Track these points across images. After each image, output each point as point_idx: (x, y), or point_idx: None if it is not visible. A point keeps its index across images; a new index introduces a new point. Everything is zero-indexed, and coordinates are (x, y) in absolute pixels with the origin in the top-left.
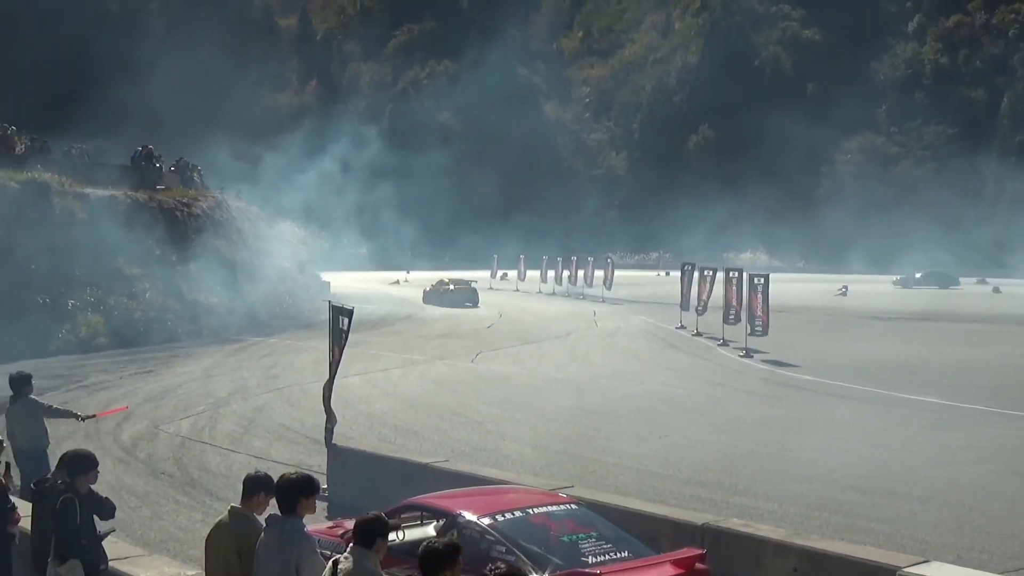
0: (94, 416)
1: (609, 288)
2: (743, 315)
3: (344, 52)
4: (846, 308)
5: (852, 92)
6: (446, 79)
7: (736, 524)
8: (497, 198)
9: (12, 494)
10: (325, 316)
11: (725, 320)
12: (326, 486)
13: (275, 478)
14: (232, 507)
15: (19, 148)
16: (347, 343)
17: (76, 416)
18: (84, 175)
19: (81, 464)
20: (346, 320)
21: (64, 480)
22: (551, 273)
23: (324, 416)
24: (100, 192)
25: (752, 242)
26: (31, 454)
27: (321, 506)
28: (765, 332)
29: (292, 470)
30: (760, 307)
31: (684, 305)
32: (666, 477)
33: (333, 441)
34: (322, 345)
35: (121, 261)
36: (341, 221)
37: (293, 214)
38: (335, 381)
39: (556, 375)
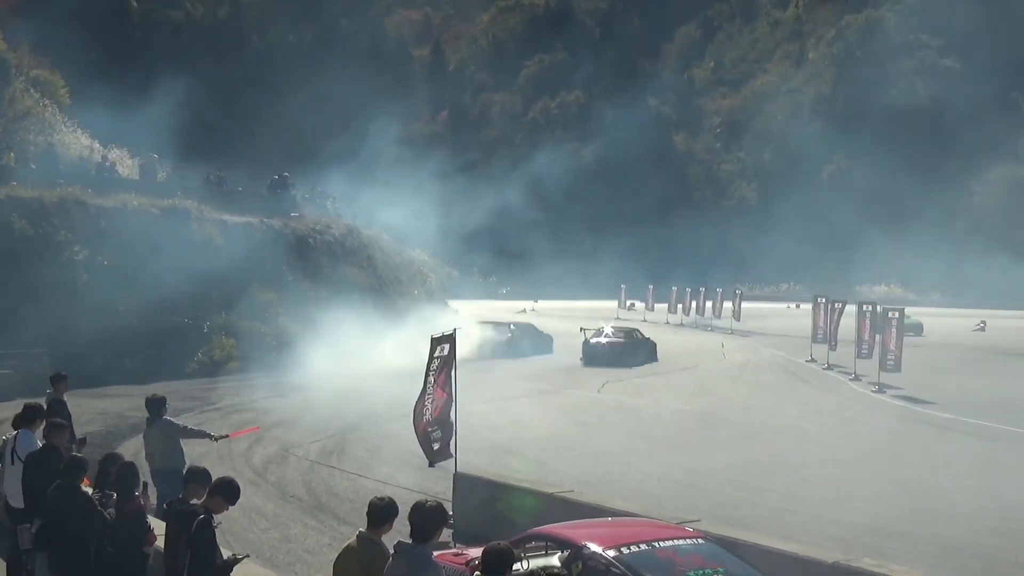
0: (227, 436)
1: (738, 320)
2: (876, 349)
3: (476, 81)
4: (985, 343)
5: (992, 121)
6: (576, 109)
7: (868, 564)
8: (626, 228)
9: (149, 513)
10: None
11: (857, 354)
12: (452, 514)
13: (399, 505)
14: (360, 532)
15: (161, 175)
16: (454, 369)
17: (210, 436)
18: (221, 202)
19: (228, 491)
20: (447, 347)
21: (199, 499)
22: (679, 304)
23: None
24: (236, 219)
25: (886, 275)
26: (167, 474)
27: (447, 534)
28: (898, 367)
29: (425, 498)
30: (894, 341)
31: (815, 338)
32: (795, 513)
33: (460, 469)
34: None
35: (255, 286)
36: (473, 247)
37: (423, 241)
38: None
39: (684, 407)
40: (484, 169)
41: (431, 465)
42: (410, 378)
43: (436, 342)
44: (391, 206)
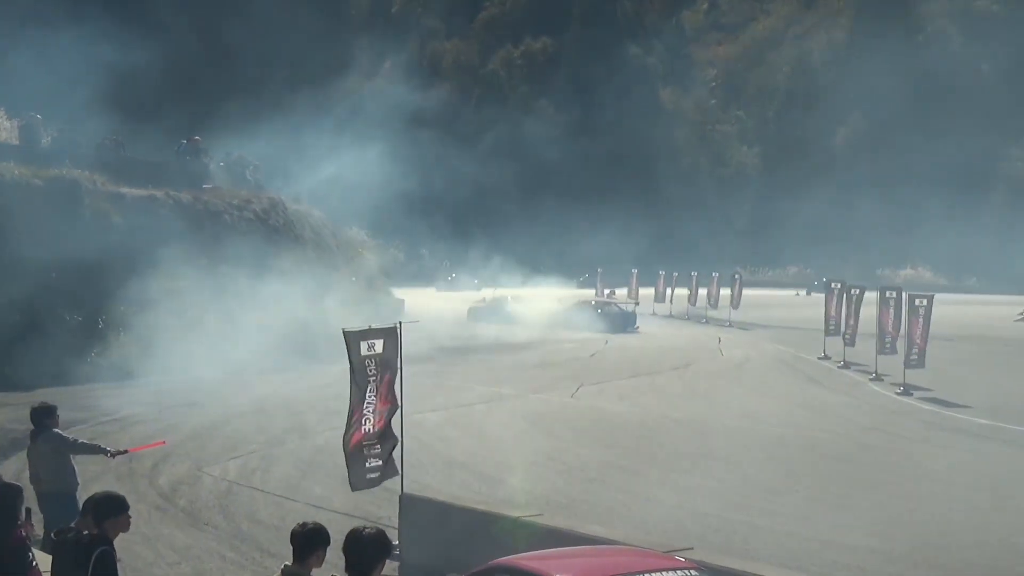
0: (126, 452)
1: (736, 308)
2: (900, 344)
3: (423, 28)
4: None
5: None
6: (544, 61)
7: None
8: (603, 202)
9: (33, 545)
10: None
11: (879, 350)
12: (397, 542)
13: (333, 531)
14: (285, 566)
15: (45, 140)
16: (399, 370)
17: (106, 452)
18: (119, 172)
19: (109, 507)
20: (379, 343)
21: (90, 529)
22: (668, 291)
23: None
24: (137, 192)
25: (912, 256)
26: (57, 497)
27: (391, 566)
28: (922, 363)
29: (364, 524)
30: (920, 334)
31: (829, 331)
32: (805, 538)
33: (407, 490)
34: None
35: (160, 273)
36: (420, 226)
37: (362, 219)
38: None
39: (672, 414)
40: (434, 132)
41: (354, 490)
42: (344, 382)
43: (357, 337)
44: (323, 176)
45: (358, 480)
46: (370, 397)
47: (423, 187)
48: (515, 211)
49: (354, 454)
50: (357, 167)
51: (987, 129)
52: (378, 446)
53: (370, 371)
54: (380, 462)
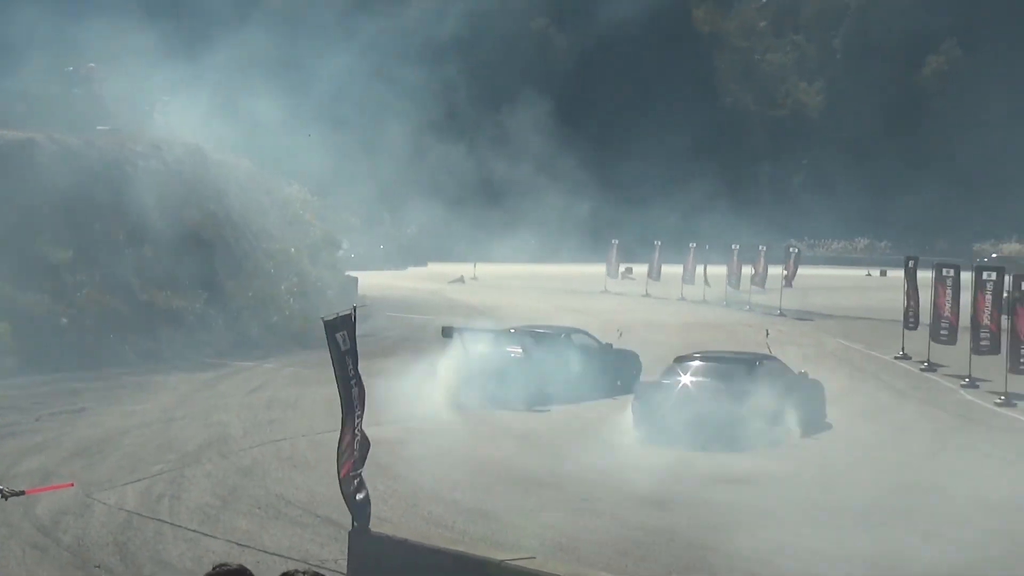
0: (23, 493)
1: (789, 285)
2: (1003, 341)
3: None
4: None
5: None
6: None
7: None
8: (619, 153)
9: None
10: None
11: (973, 348)
12: None
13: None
14: None
15: None
16: (355, 372)
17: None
18: None
19: None
20: (344, 336)
21: None
22: (699, 269)
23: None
24: (11, 134)
25: (1020, 226)
26: None
27: None
28: None
29: (298, 568)
30: None
31: (908, 323)
32: None
33: (357, 523)
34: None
35: (43, 240)
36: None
37: (303, 173)
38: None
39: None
40: (397, 55)
41: (355, 526)
42: (281, 383)
43: (333, 328)
44: (253, 116)
45: (362, 512)
46: (359, 408)
47: (375, 136)
48: (495, 169)
49: (347, 481)
50: (289, 110)
51: None
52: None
53: (350, 371)
54: (364, 494)
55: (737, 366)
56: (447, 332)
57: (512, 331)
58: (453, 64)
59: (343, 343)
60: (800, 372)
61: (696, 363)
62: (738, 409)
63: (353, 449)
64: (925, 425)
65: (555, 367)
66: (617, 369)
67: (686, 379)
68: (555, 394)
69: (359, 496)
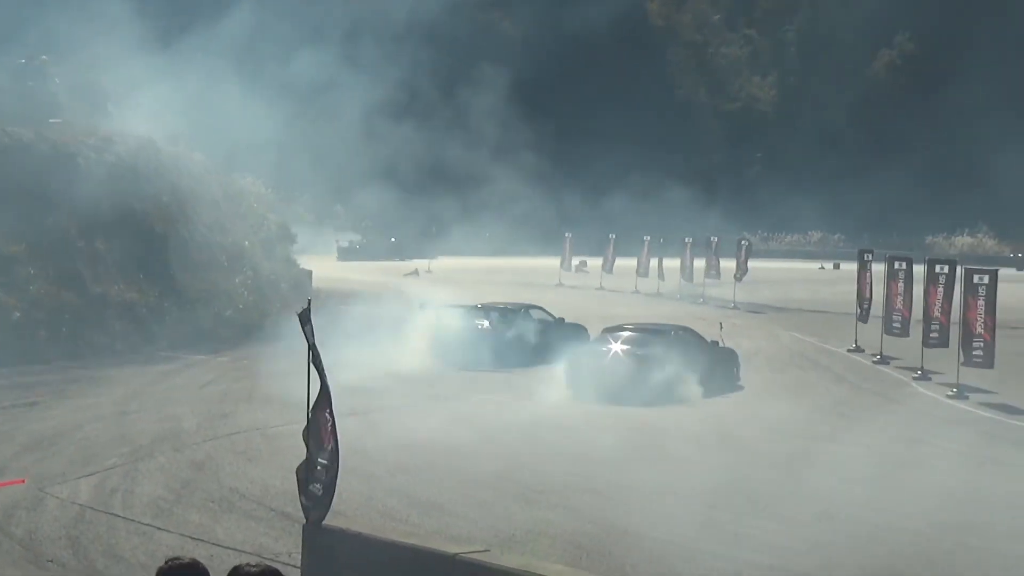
0: None
1: (740, 280)
2: (955, 334)
3: None
4: None
5: None
6: None
7: None
8: (573, 147)
9: None
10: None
11: (925, 341)
12: None
13: (216, 571)
14: None
15: None
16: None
17: None
18: None
19: None
20: (310, 330)
21: None
22: (654, 262)
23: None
24: None
25: (972, 220)
26: None
27: None
28: (989, 362)
29: (250, 561)
30: (980, 322)
31: (862, 316)
32: None
33: (313, 515)
34: (297, 367)
35: None
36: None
37: (258, 165)
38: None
39: (658, 422)
40: (347, 48)
41: (309, 522)
42: (234, 377)
43: (304, 320)
44: (206, 109)
45: (313, 507)
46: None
47: (330, 128)
48: (449, 163)
49: (308, 472)
50: (243, 101)
51: None
52: (328, 461)
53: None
54: (322, 488)
55: (655, 335)
56: (423, 306)
57: (479, 306)
58: (407, 61)
59: (311, 336)
60: (712, 341)
61: (620, 333)
62: (652, 371)
63: (326, 439)
64: (835, 403)
65: (516, 337)
66: (568, 339)
67: (612, 346)
68: (516, 359)
69: (318, 489)
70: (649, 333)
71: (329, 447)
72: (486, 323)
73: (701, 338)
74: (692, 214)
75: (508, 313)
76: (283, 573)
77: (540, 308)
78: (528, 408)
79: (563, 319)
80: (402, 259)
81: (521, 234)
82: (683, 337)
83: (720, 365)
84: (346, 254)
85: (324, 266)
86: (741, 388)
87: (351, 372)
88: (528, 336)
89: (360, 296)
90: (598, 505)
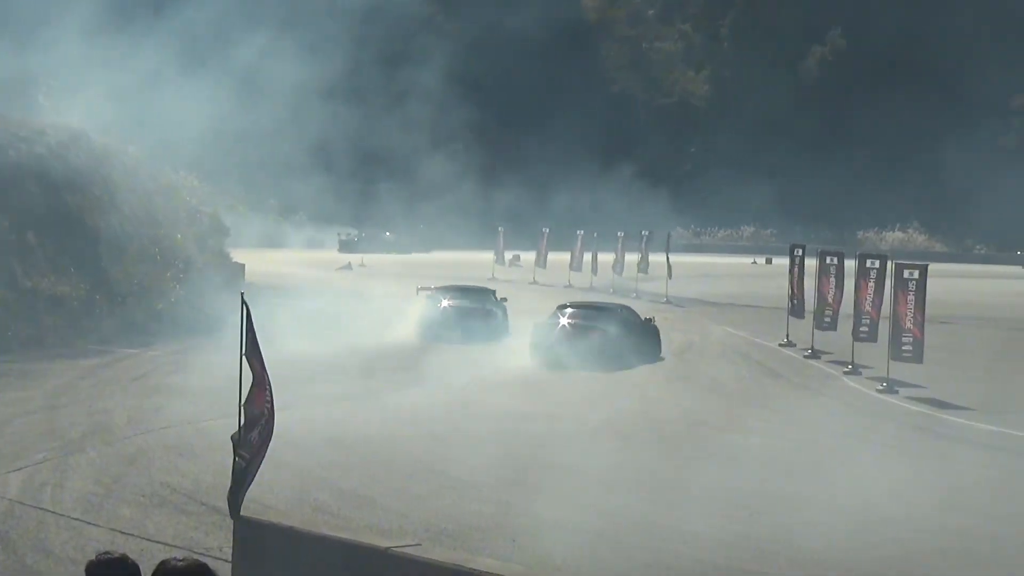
0: None
1: (670, 278)
2: (887, 328)
3: None
4: None
5: None
6: None
7: None
8: (509, 142)
9: None
10: (236, 317)
11: (855, 335)
12: None
13: (145, 565)
14: None
15: None
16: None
17: None
18: None
19: None
20: (249, 320)
21: None
22: (588, 256)
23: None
24: None
25: (904, 215)
26: None
27: None
28: (919, 357)
29: (178, 555)
30: (910, 316)
31: (794, 310)
32: None
33: (243, 512)
34: (229, 360)
35: None
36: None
37: (191, 159)
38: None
39: (593, 415)
40: (281, 39)
41: (236, 515)
42: (166, 370)
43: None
44: (140, 101)
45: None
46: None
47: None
48: (382, 158)
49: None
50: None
51: (1015, 49)
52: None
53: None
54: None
55: (600, 311)
56: (420, 290)
57: (446, 287)
58: (342, 52)
59: (250, 327)
60: (646, 319)
61: (570, 309)
62: (598, 342)
63: (261, 426)
64: (765, 396)
65: (477, 314)
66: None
67: (563, 320)
68: (479, 332)
69: (246, 479)
70: (595, 310)
71: (256, 440)
72: (450, 302)
73: (637, 316)
74: (627, 209)
75: (469, 292)
76: (212, 567)
77: (492, 290)
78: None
79: (651, 319)
80: (399, 252)
81: (460, 229)
82: (624, 314)
83: (650, 338)
84: (347, 247)
85: (271, 259)
86: (677, 382)
87: None
88: (486, 312)
89: (298, 290)
90: (527, 497)
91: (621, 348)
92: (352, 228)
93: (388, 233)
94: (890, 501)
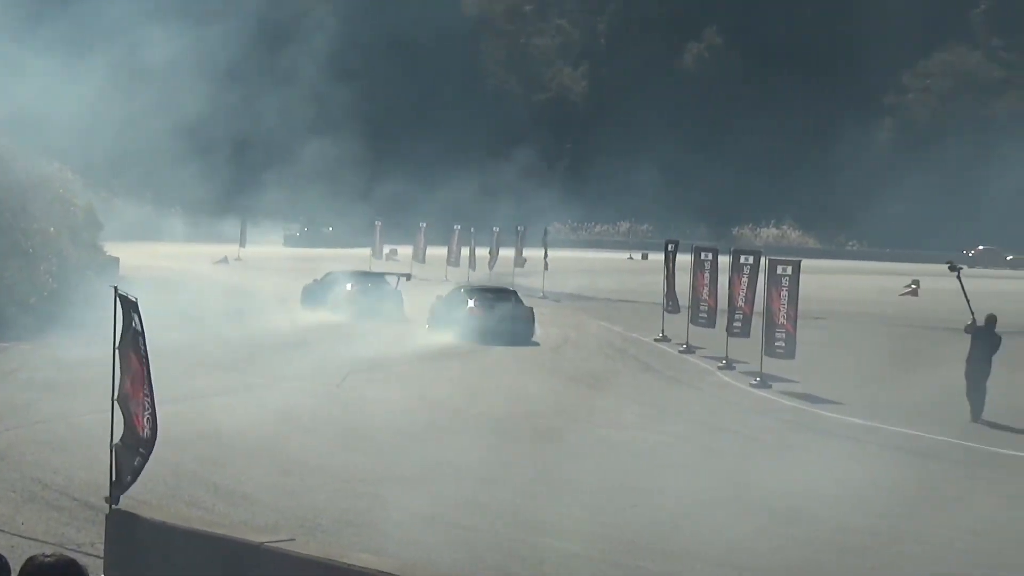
0: None
1: (546, 269)
2: (759, 324)
3: None
4: (917, 314)
5: None
6: None
7: None
8: (385, 138)
9: None
10: (109, 312)
11: (729, 331)
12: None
13: (14, 560)
14: None
15: None
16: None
17: None
18: None
19: None
20: (137, 318)
21: None
22: (465, 251)
23: (107, 465)
24: None
25: (777, 211)
26: None
27: None
28: (791, 353)
29: (48, 551)
30: (784, 312)
31: (669, 306)
32: (635, 569)
33: (117, 506)
34: (102, 354)
35: None
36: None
37: (64, 149)
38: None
39: (468, 409)
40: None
41: (115, 503)
42: (38, 364)
43: (129, 306)
44: (11, 92)
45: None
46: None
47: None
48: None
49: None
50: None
51: (882, 49)
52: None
53: (142, 351)
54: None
55: (498, 291)
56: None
57: (353, 272)
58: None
59: (136, 324)
60: (529, 306)
61: (473, 288)
62: (509, 313)
63: (141, 425)
64: (639, 391)
65: (379, 296)
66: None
67: (471, 299)
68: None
69: (128, 474)
70: (487, 291)
71: (145, 434)
72: (354, 285)
73: (520, 300)
74: (508, 204)
75: (371, 277)
76: (81, 563)
77: (389, 274)
78: None
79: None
80: (342, 248)
81: (338, 223)
82: (511, 297)
83: (526, 321)
84: (292, 241)
85: (146, 252)
86: (553, 377)
87: None
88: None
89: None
90: (401, 491)
91: (524, 321)
92: (294, 223)
93: (330, 228)
94: (761, 493)
